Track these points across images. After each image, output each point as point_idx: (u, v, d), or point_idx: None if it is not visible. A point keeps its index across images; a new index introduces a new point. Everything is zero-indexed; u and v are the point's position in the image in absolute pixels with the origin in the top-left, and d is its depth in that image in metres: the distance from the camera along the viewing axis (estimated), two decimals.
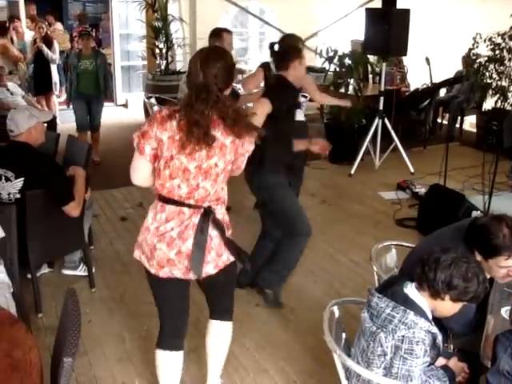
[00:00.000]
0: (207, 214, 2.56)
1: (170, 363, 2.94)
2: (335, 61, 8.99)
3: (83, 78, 7.30)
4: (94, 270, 4.41)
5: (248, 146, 2.58)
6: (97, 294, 4.30)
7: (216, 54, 2.55)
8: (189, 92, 2.51)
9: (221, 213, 2.66)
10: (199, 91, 2.43)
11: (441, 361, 2.51)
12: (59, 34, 10.92)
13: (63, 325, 2.27)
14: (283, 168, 3.94)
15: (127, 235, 5.33)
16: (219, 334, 3.04)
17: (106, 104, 11.07)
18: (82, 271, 4.45)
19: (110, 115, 10.47)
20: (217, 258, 2.66)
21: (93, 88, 7.35)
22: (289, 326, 3.92)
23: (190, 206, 2.53)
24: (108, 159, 7.54)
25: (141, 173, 2.58)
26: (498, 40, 8.06)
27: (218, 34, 5.47)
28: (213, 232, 2.61)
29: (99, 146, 7.69)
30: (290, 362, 3.55)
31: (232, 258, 2.72)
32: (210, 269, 2.66)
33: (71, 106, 7.74)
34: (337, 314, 2.68)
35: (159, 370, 2.94)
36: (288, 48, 4.06)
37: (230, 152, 2.51)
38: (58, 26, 11.38)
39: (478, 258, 2.68)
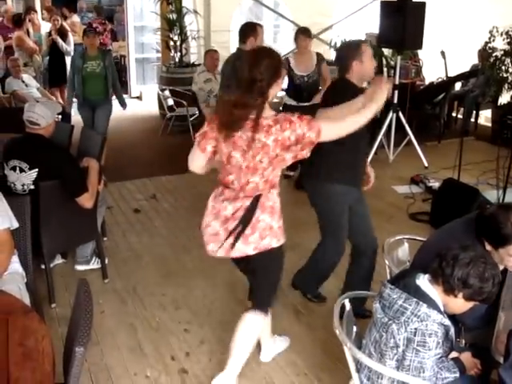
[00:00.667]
0: (257, 200, 2.81)
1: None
2: None
3: (89, 81, 6.52)
4: (106, 262, 4.43)
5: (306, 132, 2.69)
6: (109, 285, 4.33)
7: (263, 52, 2.83)
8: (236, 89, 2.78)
9: (271, 199, 2.86)
10: (246, 87, 2.71)
11: (454, 355, 2.49)
12: (77, 26, 10.95)
13: (75, 315, 2.30)
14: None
15: (140, 227, 5.36)
16: (240, 323, 3.11)
17: None
18: (94, 264, 4.47)
19: None
20: (259, 241, 2.83)
21: (100, 93, 6.60)
22: (301, 320, 3.92)
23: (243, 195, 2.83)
24: (122, 151, 7.56)
25: (197, 164, 2.98)
26: None
27: (251, 29, 5.54)
28: (261, 216, 2.81)
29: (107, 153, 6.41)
30: (301, 355, 3.56)
31: (275, 245, 2.87)
32: (249, 250, 2.84)
33: (73, 111, 7.23)
34: (348, 307, 2.67)
35: (257, 335, 3.17)
36: (343, 50, 3.78)
37: (275, 149, 2.70)
38: (75, 18, 11.40)
39: (488, 248, 2.67)
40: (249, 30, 5.53)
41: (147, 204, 5.94)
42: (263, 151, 2.71)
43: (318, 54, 6.31)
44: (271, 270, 3.03)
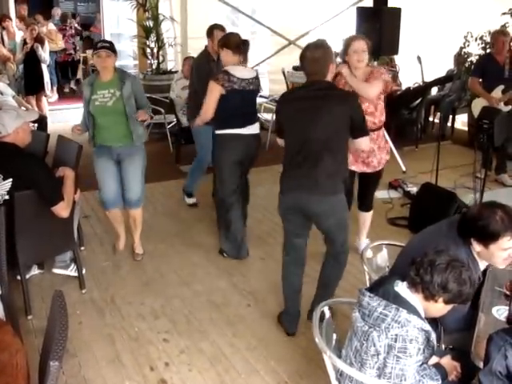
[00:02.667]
0: None
1: None
2: None
3: (102, 120, 4.50)
4: (84, 271, 4.38)
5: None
6: (87, 295, 4.27)
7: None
8: None
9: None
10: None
11: (434, 359, 2.50)
12: (53, 34, 10.87)
13: (50, 328, 2.25)
14: None
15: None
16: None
17: None
18: (72, 271, 4.42)
19: None
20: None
21: (121, 137, 4.54)
22: (280, 327, 3.89)
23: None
24: None
25: None
26: (489, 39, 8.06)
27: (209, 31, 5.56)
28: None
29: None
30: (281, 362, 3.53)
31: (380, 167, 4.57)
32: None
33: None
34: (327, 314, 2.66)
35: None
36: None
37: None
38: (51, 25, 11.32)
39: (478, 248, 2.69)
40: (207, 32, 5.58)
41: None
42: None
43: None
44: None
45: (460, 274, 2.30)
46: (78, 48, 12.35)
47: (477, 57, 8.17)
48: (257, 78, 4.64)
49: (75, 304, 4.06)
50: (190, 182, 6.06)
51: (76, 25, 12.36)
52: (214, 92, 4.39)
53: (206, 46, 5.66)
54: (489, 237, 2.64)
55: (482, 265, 2.82)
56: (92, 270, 4.61)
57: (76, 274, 4.37)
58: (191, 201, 6.08)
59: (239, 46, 4.52)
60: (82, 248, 4.92)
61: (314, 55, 3.43)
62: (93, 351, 3.60)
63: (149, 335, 3.78)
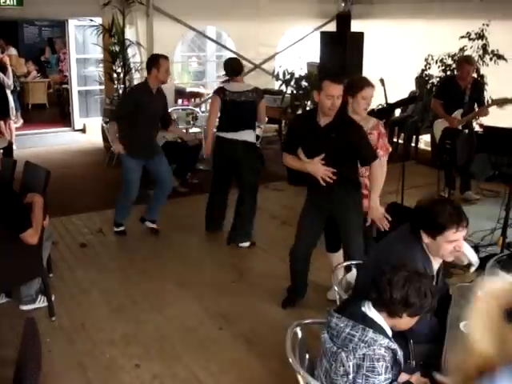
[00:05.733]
0: None
1: None
2: (292, 83, 9.15)
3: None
4: (53, 299, 4.32)
5: None
6: (57, 322, 4.21)
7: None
8: None
9: None
10: None
11: (404, 376, 2.54)
12: (13, 59, 10.80)
13: (22, 358, 2.22)
14: None
15: (87, 261, 5.26)
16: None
17: (63, 129, 11.11)
18: (40, 303, 4.34)
19: (68, 140, 10.38)
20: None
21: None
22: (253, 349, 3.91)
23: None
24: (67, 185, 7.42)
25: None
26: (449, 61, 8.30)
27: (154, 60, 5.52)
28: None
29: None
30: None
31: None
32: None
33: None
34: (300, 334, 2.69)
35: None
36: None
37: None
38: (12, 51, 11.26)
39: (426, 240, 2.83)
40: (150, 62, 5.52)
41: (94, 238, 5.84)
42: None
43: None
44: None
45: (419, 287, 2.36)
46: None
47: (437, 79, 8.39)
48: (251, 91, 5.44)
49: (45, 332, 3.99)
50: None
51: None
52: (215, 103, 5.48)
53: (146, 78, 5.64)
54: (436, 228, 2.79)
55: (436, 263, 2.94)
56: (61, 296, 4.55)
57: (44, 305, 4.30)
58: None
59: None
60: (51, 275, 4.85)
61: None
62: (63, 380, 3.56)
63: (121, 362, 3.75)
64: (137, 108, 5.34)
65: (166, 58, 5.57)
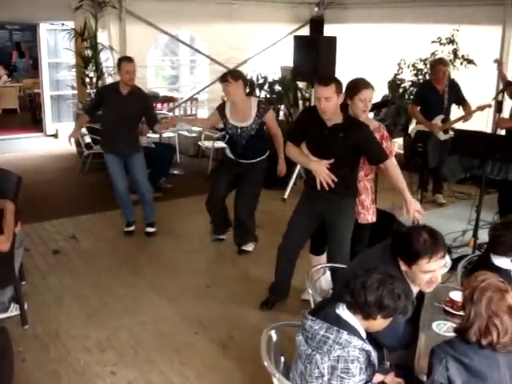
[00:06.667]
0: None
1: None
2: (266, 87, 9.18)
3: None
4: (26, 307, 4.26)
5: None
6: (30, 330, 4.15)
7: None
8: None
9: None
10: None
11: (378, 377, 2.56)
12: None
13: None
14: None
15: (60, 268, 5.20)
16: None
17: (34, 135, 10.97)
18: (13, 311, 4.27)
19: (40, 146, 10.26)
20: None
21: None
22: (229, 354, 3.91)
23: None
24: (39, 191, 7.33)
25: None
26: (420, 65, 8.42)
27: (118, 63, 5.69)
28: None
29: None
30: None
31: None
32: None
33: None
34: (274, 338, 2.70)
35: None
36: None
37: None
38: None
39: (404, 268, 2.79)
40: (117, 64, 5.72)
41: (67, 244, 5.78)
42: None
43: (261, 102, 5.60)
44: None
45: (393, 289, 2.39)
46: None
47: (409, 83, 8.50)
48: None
49: (17, 341, 3.93)
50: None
51: None
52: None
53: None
54: (411, 257, 2.74)
55: (415, 289, 2.88)
56: (34, 304, 4.48)
57: (17, 313, 4.24)
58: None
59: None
60: (23, 282, 4.79)
61: None
62: None
63: (95, 369, 3.72)
64: (103, 104, 5.76)
65: (128, 59, 5.65)
